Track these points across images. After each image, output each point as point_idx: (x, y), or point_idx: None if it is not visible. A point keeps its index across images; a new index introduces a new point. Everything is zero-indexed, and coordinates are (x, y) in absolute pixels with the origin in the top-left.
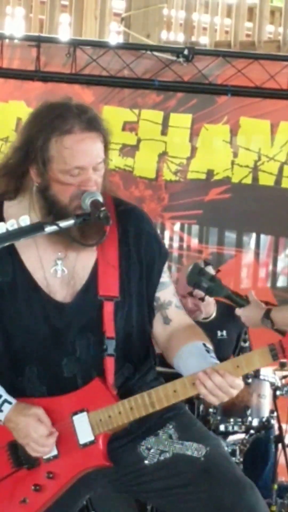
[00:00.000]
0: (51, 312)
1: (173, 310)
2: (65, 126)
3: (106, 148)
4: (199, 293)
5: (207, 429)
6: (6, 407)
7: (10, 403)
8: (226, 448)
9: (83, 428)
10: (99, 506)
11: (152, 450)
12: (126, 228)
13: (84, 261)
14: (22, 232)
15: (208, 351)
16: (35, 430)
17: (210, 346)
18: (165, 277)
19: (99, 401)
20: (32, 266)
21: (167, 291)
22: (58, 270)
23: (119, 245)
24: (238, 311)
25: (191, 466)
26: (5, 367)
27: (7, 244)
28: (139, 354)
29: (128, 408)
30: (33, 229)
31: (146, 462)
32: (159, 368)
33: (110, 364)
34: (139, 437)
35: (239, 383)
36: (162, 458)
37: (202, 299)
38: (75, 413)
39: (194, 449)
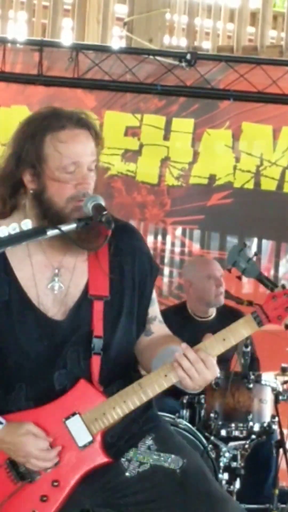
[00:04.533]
0: (45, 330)
1: (156, 325)
2: (59, 123)
3: (98, 151)
4: (236, 272)
5: (185, 442)
6: None
7: (1, 423)
8: (228, 454)
9: (79, 431)
10: None
11: (132, 462)
12: (118, 245)
13: (77, 280)
14: (24, 236)
15: None
16: (34, 446)
17: None
18: (153, 293)
19: (89, 400)
20: (26, 284)
21: (154, 307)
22: (55, 286)
23: (110, 260)
24: None
25: (168, 479)
26: None
27: (9, 247)
28: (125, 362)
29: (121, 402)
30: (35, 233)
31: (127, 474)
32: None
33: (96, 362)
34: (120, 449)
35: (213, 363)
36: (141, 470)
37: (239, 278)
38: (67, 418)
39: (171, 461)
